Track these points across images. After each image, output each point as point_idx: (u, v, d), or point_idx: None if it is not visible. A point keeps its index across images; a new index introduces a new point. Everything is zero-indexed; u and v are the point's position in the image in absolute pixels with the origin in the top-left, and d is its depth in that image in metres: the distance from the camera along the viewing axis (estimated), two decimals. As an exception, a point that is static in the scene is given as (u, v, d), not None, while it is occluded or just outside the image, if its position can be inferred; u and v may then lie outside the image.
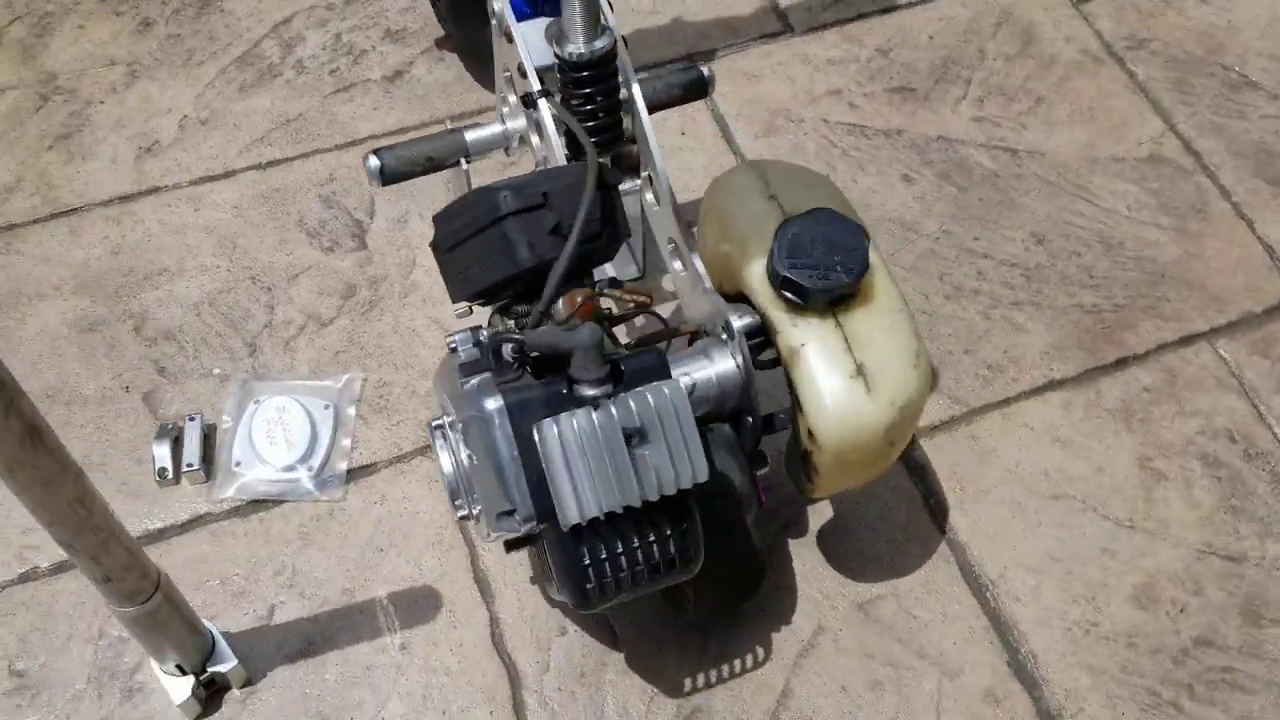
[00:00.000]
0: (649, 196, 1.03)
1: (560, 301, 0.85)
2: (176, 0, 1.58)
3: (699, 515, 0.86)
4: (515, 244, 0.82)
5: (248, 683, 1.07)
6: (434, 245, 0.89)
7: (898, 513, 1.16)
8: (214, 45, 1.53)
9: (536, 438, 0.77)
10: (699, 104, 1.45)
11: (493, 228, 0.83)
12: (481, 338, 0.84)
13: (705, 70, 1.14)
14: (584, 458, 0.77)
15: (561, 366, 0.81)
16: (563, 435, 0.77)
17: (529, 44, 0.98)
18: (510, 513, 0.81)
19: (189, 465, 1.18)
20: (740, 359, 0.90)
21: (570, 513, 0.78)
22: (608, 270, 1.15)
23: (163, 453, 1.19)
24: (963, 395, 1.23)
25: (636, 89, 0.97)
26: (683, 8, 1.56)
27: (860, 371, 0.86)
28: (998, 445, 1.20)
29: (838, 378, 0.86)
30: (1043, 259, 1.33)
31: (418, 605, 1.12)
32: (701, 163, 1.41)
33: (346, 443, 1.21)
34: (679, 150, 1.42)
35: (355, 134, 1.44)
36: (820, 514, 1.16)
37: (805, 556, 1.14)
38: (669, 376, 0.82)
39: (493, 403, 0.80)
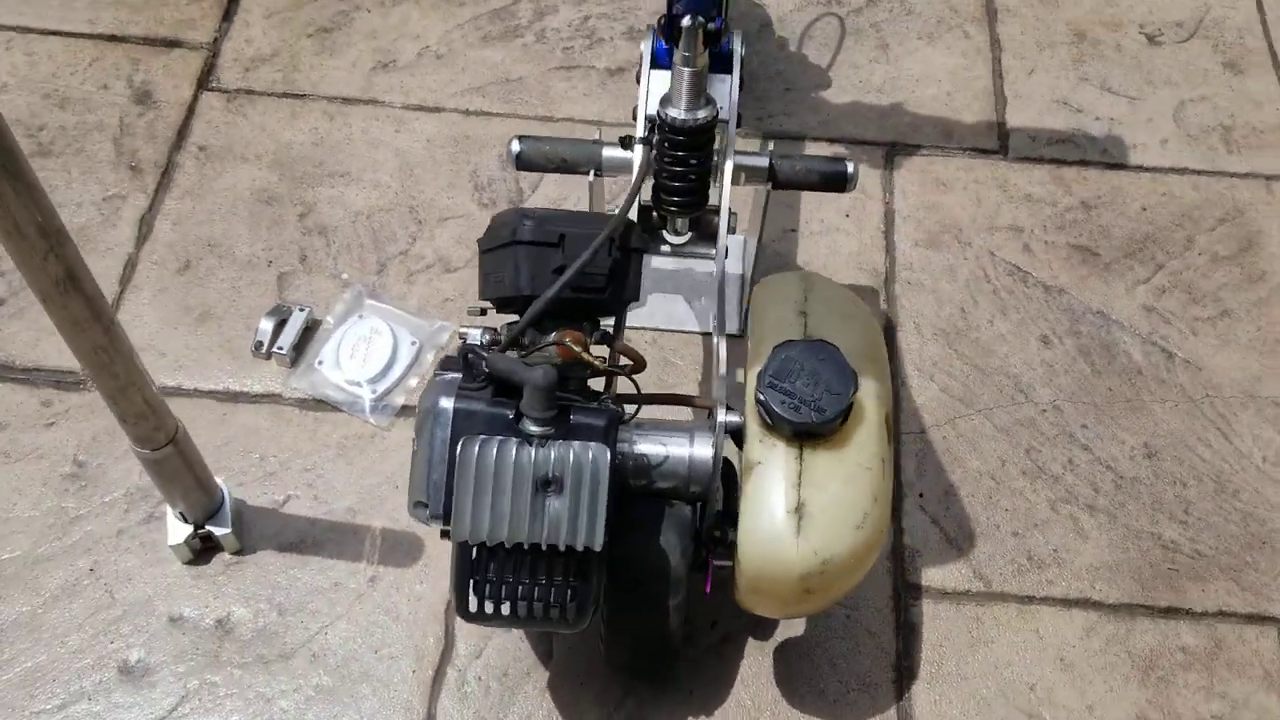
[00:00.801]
0: (719, 267, 1.05)
1: (552, 335, 0.89)
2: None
3: (606, 578, 0.89)
4: (520, 270, 0.87)
5: (238, 551, 1.19)
6: (479, 241, 0.95)
7: (864, 660, 1.13)
8: (481, -8, 1.65)
9: (458, 450, 0.82)
10: (874, 192, 1.43)
11: (509, 248, 0.88)
12: (482, 339, 0.90)
13: (850, 167, 1.14)
14: (491, 486, 0.82)
15: (518, 395, 0.85)
16: (481, 457, 0.82)
17: (652, 91, 1.01)
18: (424, 505, 0.86)
19: (279, 348, 1.31)
20: (714, 451, 0.92)
21: (462, 530, 0.83)
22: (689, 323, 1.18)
23: (266, 328, 1.32)
24: (989, 574, 1.18)
25: (729, 169, 0.99)
26: (911, 97, 1.53)
27: (798, 511, 0.86)
28: (998, 638, 1.15)
29: (775, 508, 0.86)
30: (1144, 473, 1.24)
31: (400, 548, 1.20)
32: (852, 249, 1.40)
33: (414, 382, 1.30)
34: (835, 231, 1.41)
35: (556, 112, 1.52)
36: (797, 625, 1.15)
37: (758, 660, 1.13)
38: (607, 442, 0.84)
39: (446, 402, 0.85)
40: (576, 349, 0.87)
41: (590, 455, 0.82)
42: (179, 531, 1.16)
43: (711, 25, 1.11)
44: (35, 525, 1.20)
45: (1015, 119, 1.51)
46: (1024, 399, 1.29)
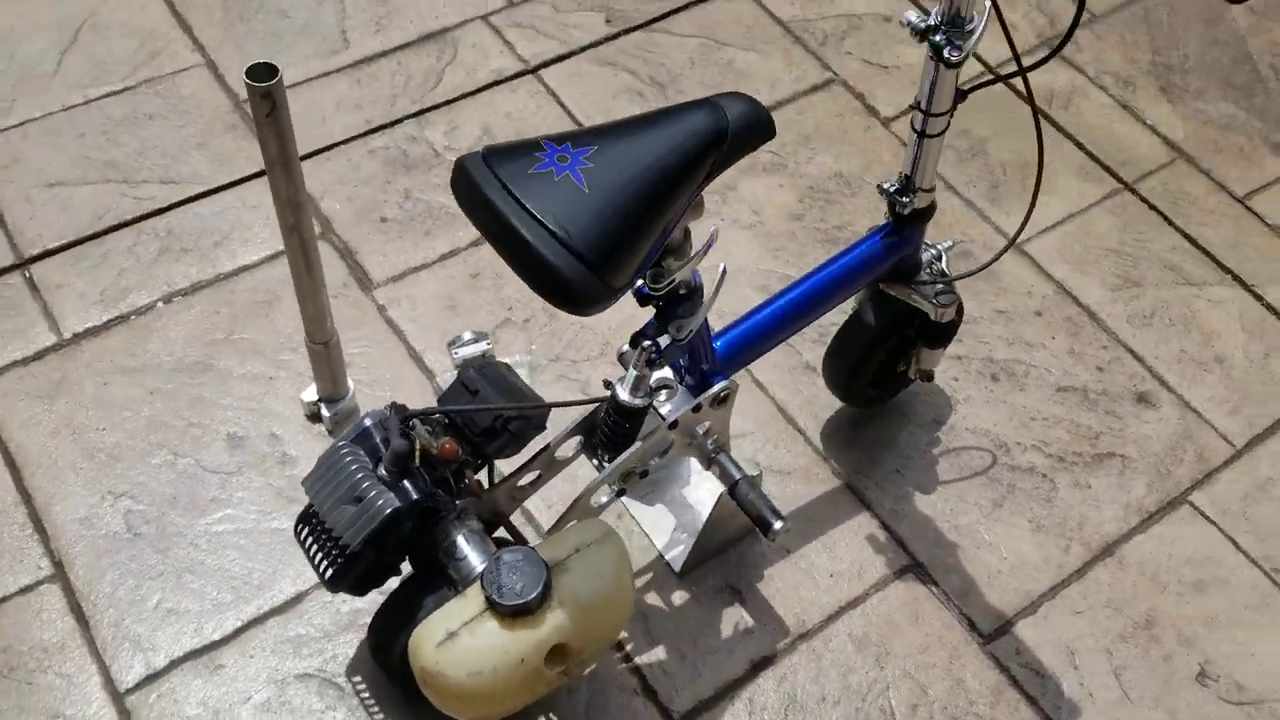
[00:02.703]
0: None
1: (444, 439, 1.36)
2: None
3: (369, 563, 1.36)
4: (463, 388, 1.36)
5: (331, 431, 1.80)
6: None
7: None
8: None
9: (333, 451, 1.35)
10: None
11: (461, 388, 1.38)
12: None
13: (779, 524, 1.47)
14: (332, 477, 1.33)
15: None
16: (337, 459, 1.34)
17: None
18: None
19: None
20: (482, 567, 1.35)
21: (308, 487, 1.35)
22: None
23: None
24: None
25: (626, 456, 1.38)
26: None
27: (451, 636, 1.28)
28: None
29: (447, 617, 1.29)
30: None
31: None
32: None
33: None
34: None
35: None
36: None
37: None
38: (404, 504, 1.30)
39: (361, 427, 1.38)
40: (450, 448, 1.34)
41: (380, 502, 1.30)
42: (309, 394, 1.80)
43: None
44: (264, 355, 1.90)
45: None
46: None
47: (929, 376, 1.75)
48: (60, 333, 1.87)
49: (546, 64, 2.29)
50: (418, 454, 1.32)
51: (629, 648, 1.60)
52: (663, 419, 1.42)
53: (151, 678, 1.56)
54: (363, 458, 1.35)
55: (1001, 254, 1.54)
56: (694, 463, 1.74)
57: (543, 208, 1.01)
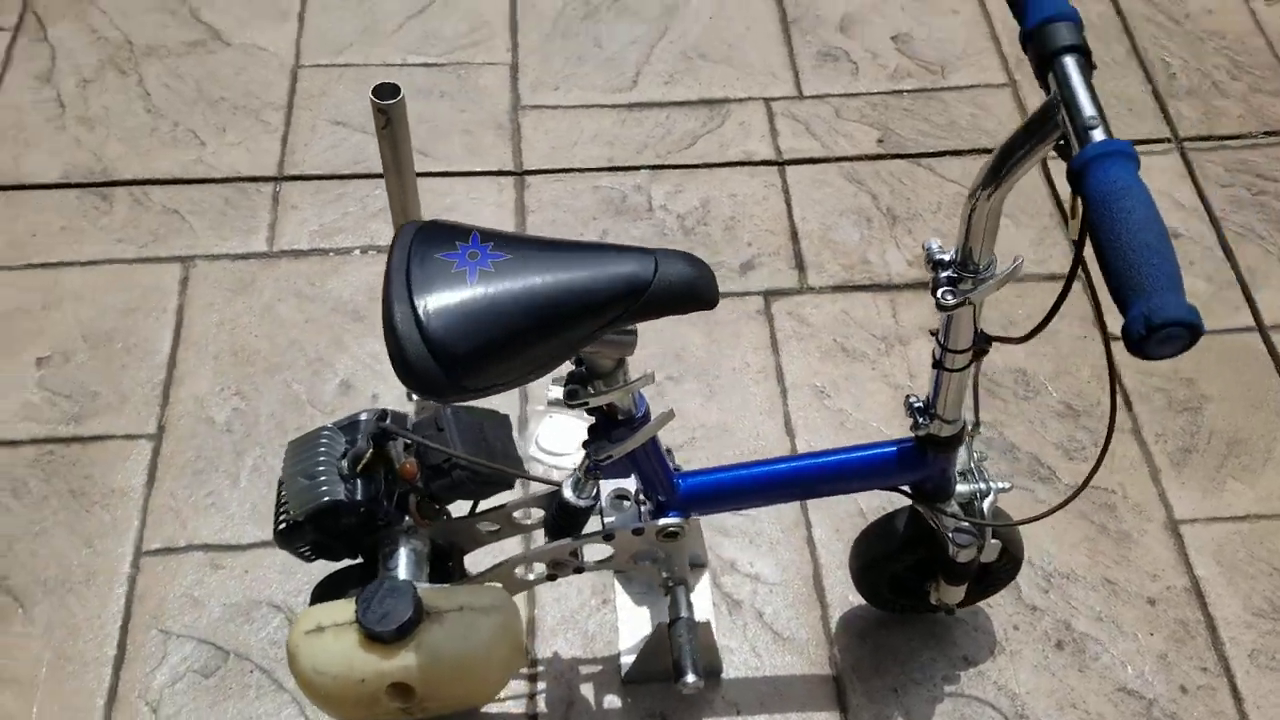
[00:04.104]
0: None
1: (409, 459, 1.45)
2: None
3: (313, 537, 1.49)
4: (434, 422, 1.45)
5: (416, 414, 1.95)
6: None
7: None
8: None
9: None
10: None
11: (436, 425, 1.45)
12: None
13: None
14: (301, 452, 1.46)
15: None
16: (310, 440, 1.46)
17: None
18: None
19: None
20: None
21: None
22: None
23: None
24: None
25: (553, 546, 1.39)
26: None
27: (319, 628, 1.38)
28: None
29: (320, 614, 1.38)
30: None
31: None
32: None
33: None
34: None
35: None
36: None
37: None
38: (335, 497, 1.41)
39: (354, 419, 1.49)
40: (410, 469, 1.43)
41: (324, 489, 1.41)
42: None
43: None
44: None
45: None
46: None
47: (950, 610, 1.60)
48: (271, 245, 2.16)
49: (796, 162, 2.29)
50: (367, 462, 1.42)
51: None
52: (602, 527, 1.42)
53: (168, 550, 1.79)
54: (338, 446, 1.47)
55: (1043, 516, 1.40)
56: (705, 580, 1.72)
57: (422, 292, 1.06)
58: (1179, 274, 0.86)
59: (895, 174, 2.27)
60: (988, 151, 2.28)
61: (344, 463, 1.45)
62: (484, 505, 1.52)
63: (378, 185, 2.25)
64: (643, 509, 1.44)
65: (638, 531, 1.42)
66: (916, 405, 1.36)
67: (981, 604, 1.73)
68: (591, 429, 1.29)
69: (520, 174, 2.27)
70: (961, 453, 1.48)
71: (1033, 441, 1.91)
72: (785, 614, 1.73)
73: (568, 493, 1.41)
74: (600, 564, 1.48)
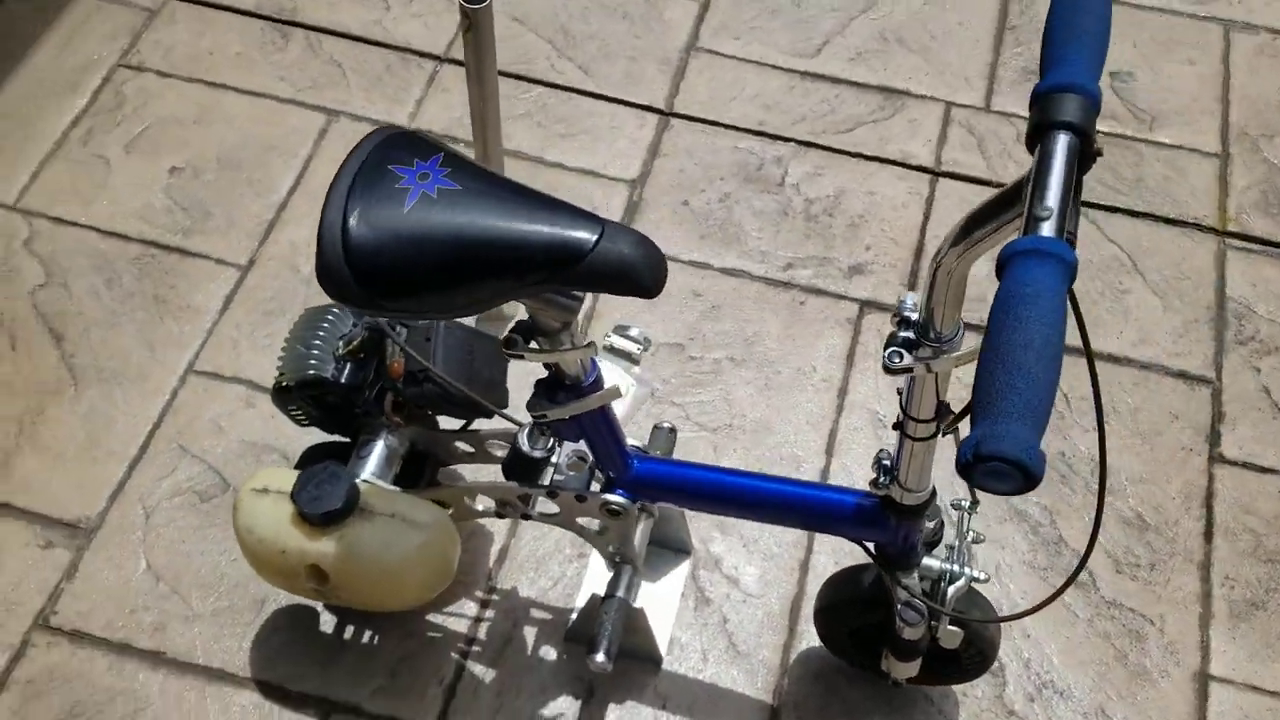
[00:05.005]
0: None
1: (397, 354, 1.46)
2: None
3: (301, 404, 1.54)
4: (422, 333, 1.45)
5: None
6: None
7: None
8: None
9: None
10: None
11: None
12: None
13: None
14: (309, 319, 1.50)
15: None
16: (324, 311, 1.49)
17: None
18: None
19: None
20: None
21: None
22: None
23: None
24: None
25: (500, 485, 1.38)
26: None
27: (266, 490, 1.42)
28: None
29: (265, 477, 1.43)
30: None
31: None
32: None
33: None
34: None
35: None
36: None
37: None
38: (326, 378, 1.45)
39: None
40: (397, 368, 1.45)
41: (312, 362, 1.44)
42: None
43: None
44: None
45: None
46: None
47: (897, 684, 1.50)
48: (411, 120, 2.20)
49: (952, 176, 2.14)
50: (354, 348, 1.44)
51: (472, 650, 1.64)
52: (550, 482, 1.40)
53: (214, 375, 1.89)
54: (342, 326, 1.50)
55: (1008, 619, 1.28)
56: (683, 568, 1.69)
57: (357, 200, 1.04)
58: (1042, 409, 0.75)
59: (1053, 217, 2.08)
60: (1165, 220, 2.06)
61: (341, 343, 1.48)
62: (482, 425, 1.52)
63: (529, 90, 2.25)
64: (596, 477, 1.40)
65: (580, 498, 1.39)
66: (885, 463, 1.25)
67: (956, 687, 1.61)
68: (537, 384, 1.26)
69: (667, 114, 2.22)
70: (952, 529, 1.37)
71: (1085, 541, 1.73)
72: (750, 628, 1.67)
73: (522, 438, 1.39)
74: (546, 517, 1.46)
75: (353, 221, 1.05)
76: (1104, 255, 2.04)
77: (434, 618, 1.67)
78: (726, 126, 2.20)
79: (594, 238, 1.05)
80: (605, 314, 1.96)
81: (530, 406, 1.26)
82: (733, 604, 1.68)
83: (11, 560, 1.70)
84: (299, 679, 1.61)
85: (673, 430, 1.58)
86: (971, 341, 1.04)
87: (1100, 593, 1.70)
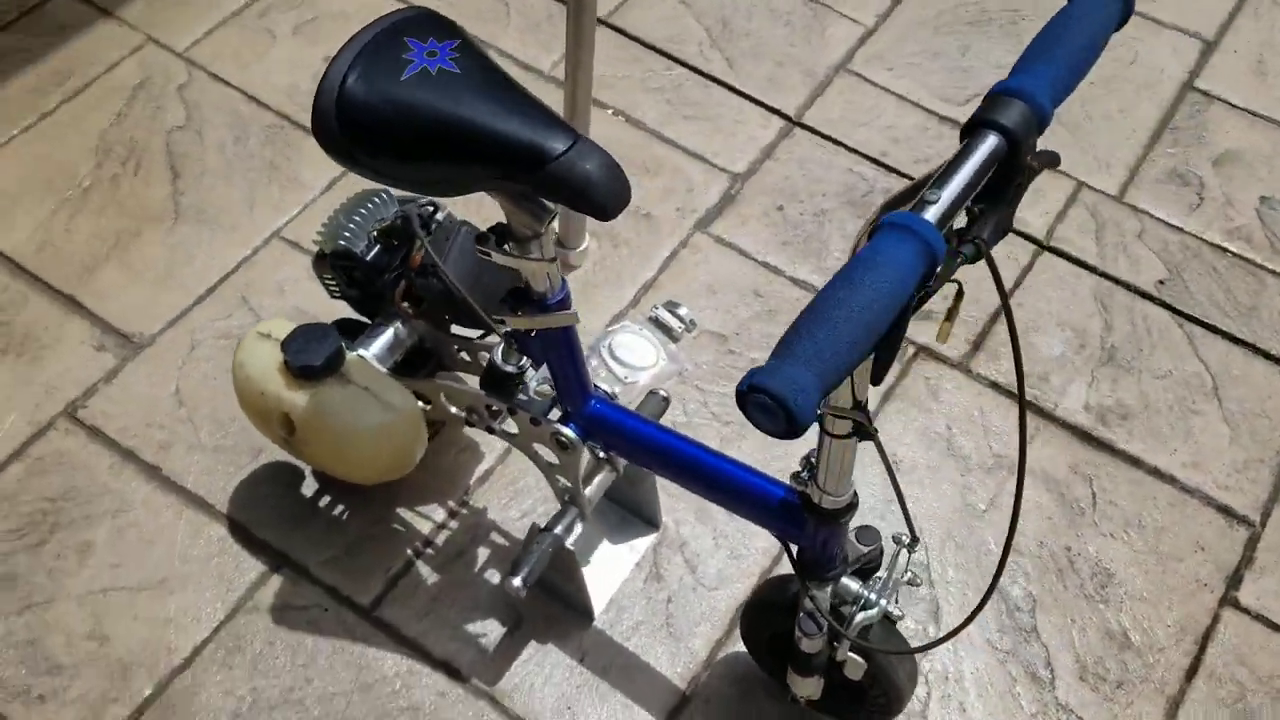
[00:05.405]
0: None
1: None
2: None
3: (334, 272, 1.63)
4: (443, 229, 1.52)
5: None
6: None
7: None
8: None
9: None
10: None
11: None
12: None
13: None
14: (360, 198, 1.59)
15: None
16: (374, 192, 1.58)
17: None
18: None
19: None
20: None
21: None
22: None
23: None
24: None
25: (465, 389, 1.42)
26: None
27: (269, 335, 1.52)
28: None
29: (275, 323, 1.53)
30: None
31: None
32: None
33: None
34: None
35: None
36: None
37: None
38: (348, 252, 1.54)
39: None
40: (417, 259, 1.52)
41: (347, 234, 1.52)
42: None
43: None
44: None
45: None
46: None
47: (795, 700, 1.47)
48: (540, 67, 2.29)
49: (1056, 252, 2.07)
50: (384, 230, 1.53)
51: (426, 552, 1.69)
52: (511, 397, 1.44)
53: (294, 245, 2.02)
54: (384, 210, 1.58)
55: (902, 651, 1.26)
56: (647, 542, 1.71)
57: (361, 61, 1.11)
58: (832, 364, 0.75)
59: (1148, 321, 1.99)
60: (1265, 354, 1.95)
61: (377, 226, 1.57)
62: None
63: (672, 69, 2.30)
64: (556, 406, 1.44)
65: (534, 421, 1.43)
66: (812, 460, 1.24)
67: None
68: (507, 292, 1.31)
69: (793, 122, 2.23)
70: (897, 562, 1.34)
71: (1058, 639, 1.66)
72: (690, 615, 1.66)
73: (496, 352, 1.44)
74: (507, 436, 1.51)
75: (352, 78, 1.12)
76: (1187, 371, 1.93)
77: (403, 512, 1.73)
78: (849, 149, 2.20)
79: (563, 147, 1.09)
80: (665, 286, 1.99)
81: (494, 311, 1.31)
82: (683, 588, 1.69)
83: (66, 352, 1.87)
84: (264, 527, 1.71)
85: (666, 399, 1.60)
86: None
87: (1055, 692, 1.62)
